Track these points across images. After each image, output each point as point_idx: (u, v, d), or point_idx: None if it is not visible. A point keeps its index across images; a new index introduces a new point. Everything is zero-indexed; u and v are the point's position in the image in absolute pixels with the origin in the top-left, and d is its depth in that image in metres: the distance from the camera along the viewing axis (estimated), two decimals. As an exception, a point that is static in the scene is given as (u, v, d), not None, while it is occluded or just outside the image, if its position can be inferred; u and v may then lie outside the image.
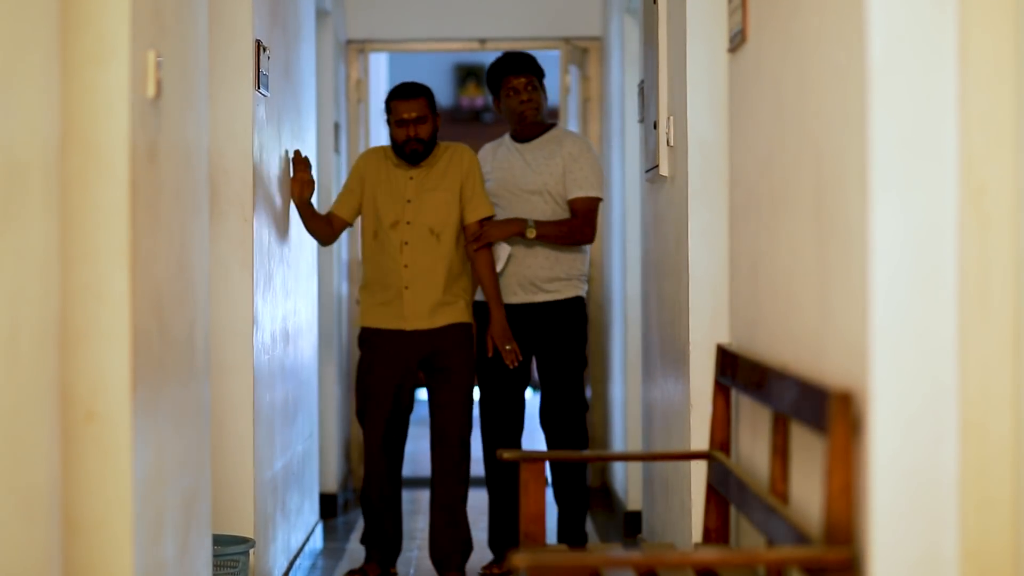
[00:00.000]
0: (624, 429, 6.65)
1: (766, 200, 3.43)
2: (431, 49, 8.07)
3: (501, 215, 5.79)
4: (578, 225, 5.77)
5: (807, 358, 2.99)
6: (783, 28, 3.23)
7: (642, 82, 5.87)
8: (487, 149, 6.04)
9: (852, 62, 2.64)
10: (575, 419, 5.85)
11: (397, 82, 5.70)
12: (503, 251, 5.73)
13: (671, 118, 4.82)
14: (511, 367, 5.69)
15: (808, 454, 2.95)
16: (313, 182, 5.61)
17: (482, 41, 7.79)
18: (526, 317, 5.83)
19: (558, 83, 7.91)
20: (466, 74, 12.49)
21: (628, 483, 6.60)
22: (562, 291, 5.86)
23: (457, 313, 5.60)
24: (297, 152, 5.58)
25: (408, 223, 5.55)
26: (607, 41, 7.32)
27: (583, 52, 7.63)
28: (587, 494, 5.97)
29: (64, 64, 2.87)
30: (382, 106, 6.32)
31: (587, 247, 5.94)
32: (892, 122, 2.54)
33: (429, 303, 5.54)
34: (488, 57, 12.07)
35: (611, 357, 7.46)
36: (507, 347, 5.68)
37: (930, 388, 2.54)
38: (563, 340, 5.84)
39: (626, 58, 6.70)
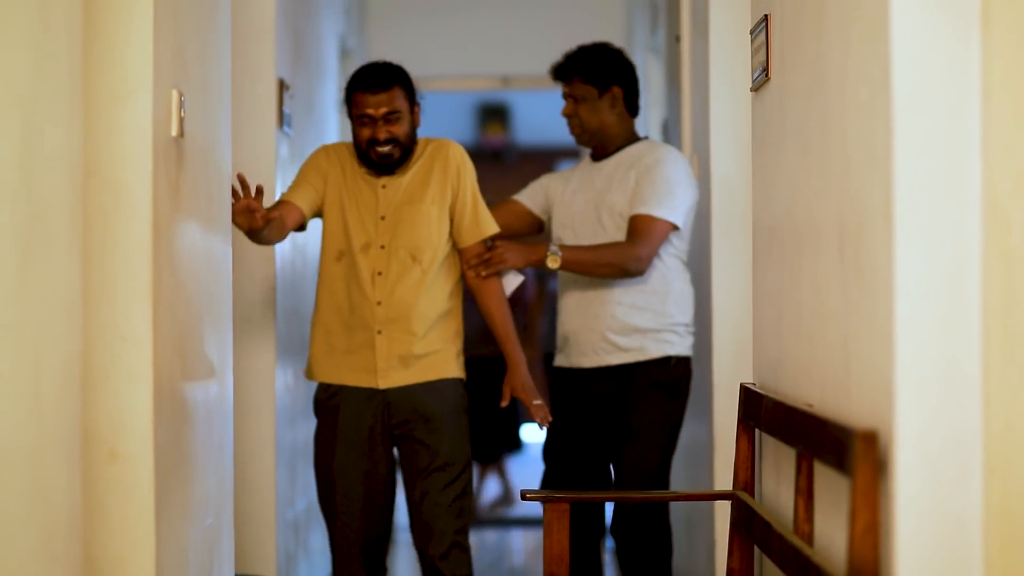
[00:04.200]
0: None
1: (790, 239, 3.42)
2: (454, 87, 8.09)
3: None
4: (623, 248, 4.32)
5: (831, 398, 2.98)
6: (807, 67, 3.22)
7: (665, 120, 5.87)
8: (562, 174, 4.70)
9: (876, 100, 2.63)
10: (653, 531, 4.42)
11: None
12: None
13: (694, 156, 4.82)
14: (541, 427, 4.22)
15: (833, 494, 2.93)
16: (262, 212, 3.91)
17: (505, 79, 7.80)
18: (598, 385, 4.48)
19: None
20: (489, 112, 12.48)
21: (652, 522, 6.55)
22: (647, 348, 4.40)
23: (445, 365, 4.24)
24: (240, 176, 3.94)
25: (382, 247, 4.20)
26: (630, 79, 7.31)
27: (606, 90, 7.63)
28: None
29: (87, 103, 2.88)
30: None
31: (684, 284, 4.44)
32: (917, 160, 2.53)
33: (409, 352, 4.19)
34: (511, 96, 12.12)
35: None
36: (535, 402, 4.22)
37: (955, 428, 2.52)
38: (641, 421, 4.39)
39: (649, 96, 6.70)
